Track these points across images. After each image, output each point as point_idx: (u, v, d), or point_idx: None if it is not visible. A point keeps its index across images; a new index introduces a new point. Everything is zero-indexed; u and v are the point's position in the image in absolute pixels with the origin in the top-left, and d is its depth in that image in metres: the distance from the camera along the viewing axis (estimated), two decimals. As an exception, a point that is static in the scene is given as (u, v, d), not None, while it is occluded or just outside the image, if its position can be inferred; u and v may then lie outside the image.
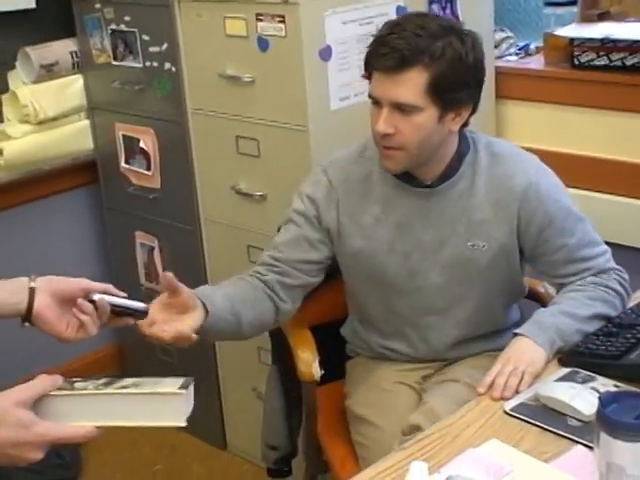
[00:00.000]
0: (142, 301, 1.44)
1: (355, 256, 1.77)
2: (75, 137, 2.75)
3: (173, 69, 2.40)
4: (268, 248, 1.82)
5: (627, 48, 2.28)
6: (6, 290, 1.32)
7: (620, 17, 2.42)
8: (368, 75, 1.66)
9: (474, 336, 1.81)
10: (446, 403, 1.52)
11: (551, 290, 1.92)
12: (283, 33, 2.09)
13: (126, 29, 2.50)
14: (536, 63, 2.53)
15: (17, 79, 2.64)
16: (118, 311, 1.38)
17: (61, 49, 2.67)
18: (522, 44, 2.63)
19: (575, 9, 2.50)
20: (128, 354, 3.01)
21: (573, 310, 1.64)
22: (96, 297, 1.35)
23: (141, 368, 2.94)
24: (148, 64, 2.47)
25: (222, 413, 2.71)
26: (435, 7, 2.34)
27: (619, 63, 2.30)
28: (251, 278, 1.76)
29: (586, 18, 2.46)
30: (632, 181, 2.34)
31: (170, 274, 1.52)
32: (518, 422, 1.42)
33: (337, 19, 2.11)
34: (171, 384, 1.15)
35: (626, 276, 1.75)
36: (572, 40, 2.37)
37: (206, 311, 1.58)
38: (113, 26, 2.54)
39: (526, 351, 1.56)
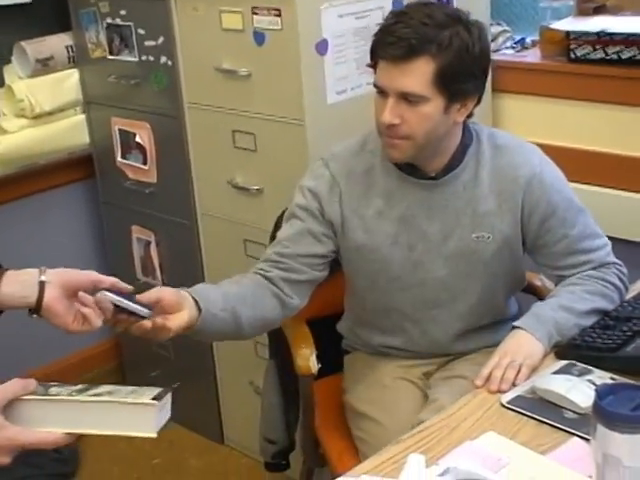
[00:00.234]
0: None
1: (358, 250, 1.76)
2: (71, 131, 2.74)
3: (169, 63, 2.40)
4: (272, 245, 1.80)
5: (623, 41, 2.28)
6: (17, 282, 1.32)
7: (616, 10, 2.42)
8: (374, 64, 1.65)
9: (475, 327, 1.81)
10: (456, 400, 1.51)
11: (548, 283, 1.93)
12: (279, 27, 2.08)
13: (122, 23, 2.50)
14: (532, 57, 2.53)
15: (13, 73, 2.63)
16: (121, 309, 1.38)
17: (57, 43, 2.66)
18: (518, 38, 2.63)
19: (571, 2, 2.50)
20: (125, 348, 3.01)
21: (572, 304, 1.64)
22: (98, 294, 1.35)
23: (138, 362, 2.95)
24: (144, 58, 2.47)
25: (219, 407, 2.71)
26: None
27: (615, 56, 2.30)
28: (253, 275, 1.73)
29: (582, 11, 2.46)
30: (629, 174, 2.34)
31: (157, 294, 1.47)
32: (515, 415, 1.42)
33: (333, 12, 2.11)
34: (146, 394, 1.14)
35: (625, 270, 1.75)
36: (568, 33, 2.37)
37: (199, 310, 1.55)
38: (109, 20, 2.53)
39: (524, 344, 1.56)
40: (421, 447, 1.34)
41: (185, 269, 2.62)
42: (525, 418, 1.40)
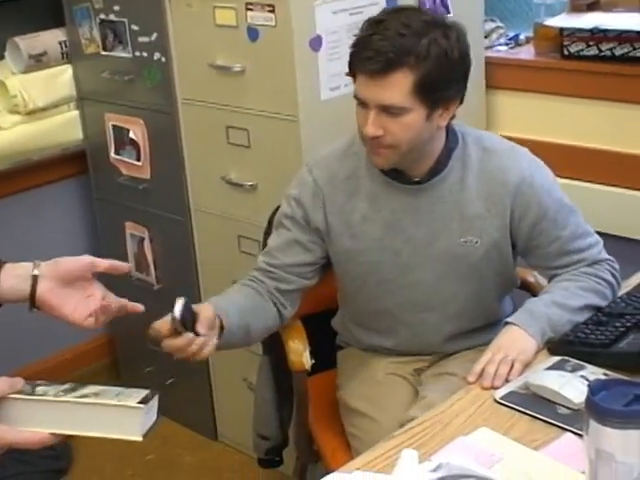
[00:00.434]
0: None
1: (344, 255, 1.77)
2: (65, 127, 2.73)
3: (163, 59, 2.40)
4: (263, 253, 1.82)
5: (616, 38, 2.29)
6: (14, 276, 1.30)
7: (609, 7, 2.42)
8: (352, 75, 1.64)
9: (467, 330, 1.81)
10: (444, 397, 1.52)
11: (541, 280, 1.92)
12: (273, 23, 2.08)
13: (115, 19, 2.49)
14: (526, 53, 2.53)
15: (6, 69, 2.62)
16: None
17: (50, 39, 2.66)
18: (512, 34, 2.63)
19: (565, -1, 2.51)
20: (120, 344, 3.01)
21: (565, 301, 1.65)
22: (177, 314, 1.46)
23: (133, 358, 2.94)
24: (138, 54, 2.46)
25: (213, 403, 2.71)
26: (426, -3, 2.34)
27: (608, 53, 2.31)
28: (255, 285, 1.76)
29: (576, 8, 2.46)
30: (623, 171, 2.35)
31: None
32: (508, 410, 1.42)
33: (327, 9, 2.11)
34: (133, 396, 1.14)
35: (617, 266, 1.75)
36: (562, 30, 2.37)
37: (221, 327, 1.59)
38: (102, 16, 2.52)
39: (517, 340, 1.56)
40: (414, 443, 1.34)
41: (179, 265, 2.61)
42: (518, 414, 1.40)
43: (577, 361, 1.51)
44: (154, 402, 1.16)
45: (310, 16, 2.08)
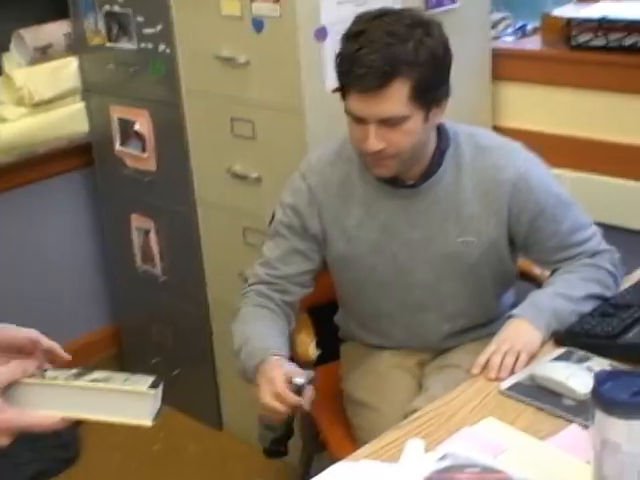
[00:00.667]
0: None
1: (341, 260, 1.76)
2: (70, 120, 2.74)
3: (168, 50, 2.39)
4: (261, 264, 1.79)
5: (625, 28, 2.27)
6: None
7: (617, -3, 2.41)
8: (342, 92, 1.60)
9: (466, 328, 1.81)
10: (448, 389, 1.51)
11: (547, 272, 1.92)
12: (278, 13, 2.08)
13: (120, 10, 2.49)
14: (533, 44, 2.52)
15: (12, 61, 2.63)
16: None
17: (55, 31, 2.66)
18: (519, 24, 2.62)
19: (572, -12, 2.50)
20: (125, 336, 3.01)
21: (568, 292, 1.64)
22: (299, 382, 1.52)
23: (138, 350, 2.95)
24: (143, 45, 2.46)
25: (218, 394, 2.71)
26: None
27: (616, 43, 2.29)
28: (267, 301, 1.75)
29: (584, -2, 2.45)
30: (629, 162, 2.34)
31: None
32: (513, 402, 1.42)
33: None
34: (141, 382, 1.14)
35: (617, 255, 1.75)
36: (569, 20, 2.36)
37: None
38: (107, 7, 2.52)
39: (523, 332, 1.56)
40: (420, 433, 1.34)
41: (184, 257, 2.62)
42: (523, 405, 1.40)
43: (583, 352, 1.51)
44: (160, 389, 1.16)
45: (315, 7, 2.07)
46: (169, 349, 2.79)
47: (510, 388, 1.45)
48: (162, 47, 2.40)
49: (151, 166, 2.58)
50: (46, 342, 1.26)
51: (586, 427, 1.32)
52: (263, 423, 2.03)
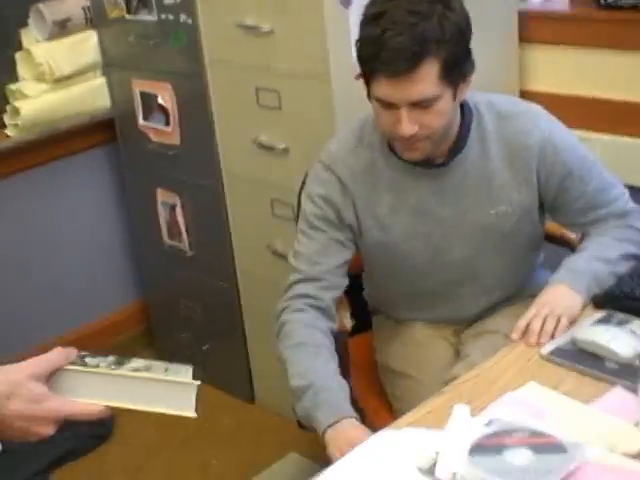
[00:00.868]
0: None
1: (375, 247, 1.73)
2: (92, 95, 2.72)
3: (189, 21, 2.36)
4: (300, 261, 1.70)
5: (655, -15, 2.22)
6: None
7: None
8: (366, 77, 1.55)
9: (503, 299, 1.79)
10: (488, 355, 1.50)
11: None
12: (302, -20, 2.04)
13: (139, -18, 2.46)
14: (561, 4, 2.47)
15: (30, 37, 2.61)
16: None
17: (73, 4, 2.63)
18: (545, -15, 2.57)
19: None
20: (153, 311, 3.02)
21: (604, 254, 1.63)
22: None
23: (166, 325, 2.95)
24: (163, 17, 2.43)
25: (249, 367, 2.71)
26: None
27: (646, 1, 2.24)
28: (323, 322, 1.65)
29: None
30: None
31: None
32: (555, 366, 1.41)
33: (357, -36, 2.06)
34: (182, 372, 1.14)
35: None
36: (597, -21, 2.31)
37: None
38: (126, -21, 2.49)
39: (562, 296, 1.54)
40: (462, 399, 1.33)
41: (212, 231, 2.60)
42: (566, 369, 1.39)
43: (623, 315, 1.49)
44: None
45: (339, -28, 2.04)
46: (198, 324, 2.79)
47: (551, 353, 1.43)
48: (183, 17, 2.37)
49: (175, 140, 2.56)
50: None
51: (632, 389, 1.30)
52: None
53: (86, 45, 2.67)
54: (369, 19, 1.52)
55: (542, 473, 1.03)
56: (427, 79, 1.49)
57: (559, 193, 1.68)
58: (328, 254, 1.70)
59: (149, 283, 2.98)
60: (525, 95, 2.44)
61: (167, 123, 2.56)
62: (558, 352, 1.43)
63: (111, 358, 1.17)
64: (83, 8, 2.64)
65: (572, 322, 1.51)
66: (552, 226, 1.87)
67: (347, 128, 1.76)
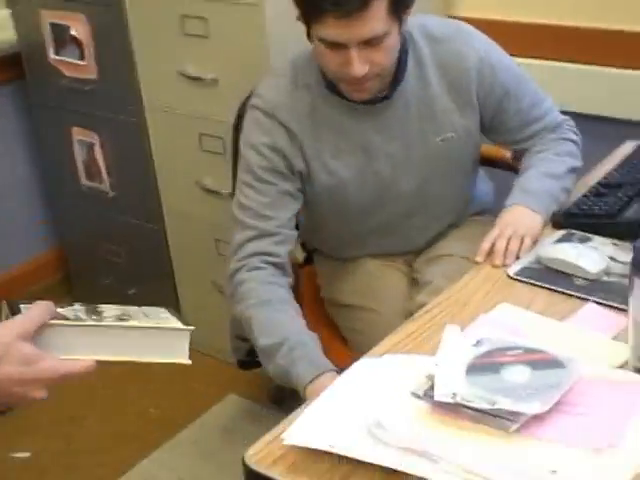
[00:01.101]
0: None
1: (325, 192, 1.66)
2: (-6, 28, 2.53)
3: (103, -56, 2.21)
4: (246, 214, 1.61)
5: None
6: None
7: None
8: (307, 18, 1.48)
9: (452, 223, 1.79)
10: (450, 279, 1.48)
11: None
12: None
13: None
14: None
15: None
16: None
17: None
18: None
19: None
20: (70, 257, 2.88)
21: (551, 170, 1.64)
22: None
23: (86, 271, 2.83)
24: (73, -60, 2.26)
25: (180, 310, 2.63)
26: None
27: None
28: (282, 278, 1.59)
29: None
30: (594, 48, 2.29)
31: None
32: (524, 286, 1.40)
33: None
34: (171, 319, 1.10)
35: (572, 122, 1.76)
36: None
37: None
38: None
39: (522, 216, 1.54)
40: (436, 324, 1.31)
41: (135, 170, 2.48)
42: (535, 288, 1.38)
43: (583, 233, 1.50)
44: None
45: None
46: (122, 269, 2.68)
47: (519, 273, 1.43)
48: (97, -60, 2.22)
49: (91, 74, 2.41)
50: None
51: (602, 305, 1.31)
52: (236, 335, 1.98)
53: (-15, -28, 2.48)
54: None
55: (544, 388, 1.01)
56: (378, 16, 1.45)
57: (497, 113, 1.68)
58: (279, 207, 1.61)
59: (66, 228, 2.83)
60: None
61: (82, 57, 2.41)
62: (525, 272, 1.42)
63: (79, 306, 1.09)
64: None
65: (535, 242, 1.51)
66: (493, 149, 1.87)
67: (275, 72, 1.68)
